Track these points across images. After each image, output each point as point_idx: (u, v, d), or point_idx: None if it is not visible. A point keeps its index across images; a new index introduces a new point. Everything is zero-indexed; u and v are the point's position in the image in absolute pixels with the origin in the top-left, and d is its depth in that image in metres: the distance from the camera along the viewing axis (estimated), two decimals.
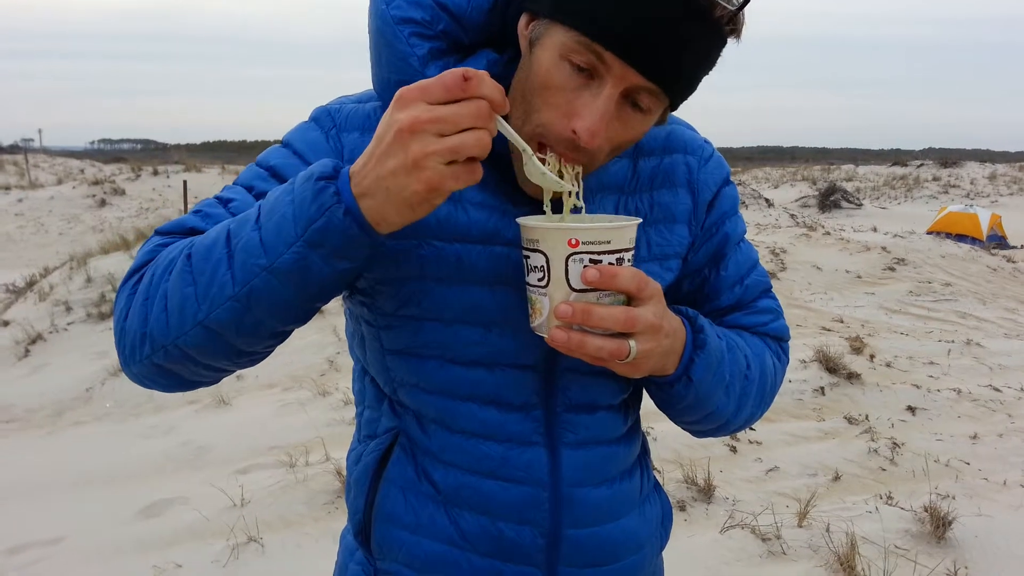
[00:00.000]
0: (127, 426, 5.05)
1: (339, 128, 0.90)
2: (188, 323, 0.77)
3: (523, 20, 0.84)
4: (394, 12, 0.87)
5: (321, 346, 5.94)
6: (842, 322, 6.80)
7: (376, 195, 0.71)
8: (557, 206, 0.85)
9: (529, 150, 0.78)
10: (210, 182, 19.98)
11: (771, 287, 1.07)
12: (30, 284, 9.40)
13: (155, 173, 22.90)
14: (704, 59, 0.80)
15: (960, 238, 13.95)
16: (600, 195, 0.93)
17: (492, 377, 0.91)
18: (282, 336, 0.83)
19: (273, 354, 0.88)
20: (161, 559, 3.03)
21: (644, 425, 1.09)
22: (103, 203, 20.39)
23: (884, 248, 9.88)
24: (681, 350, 0.87)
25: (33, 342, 7.07)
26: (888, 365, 5.23)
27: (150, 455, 4.32)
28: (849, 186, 26.95)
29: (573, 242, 0.76)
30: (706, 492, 3.38)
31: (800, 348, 5.15)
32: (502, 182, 0.89)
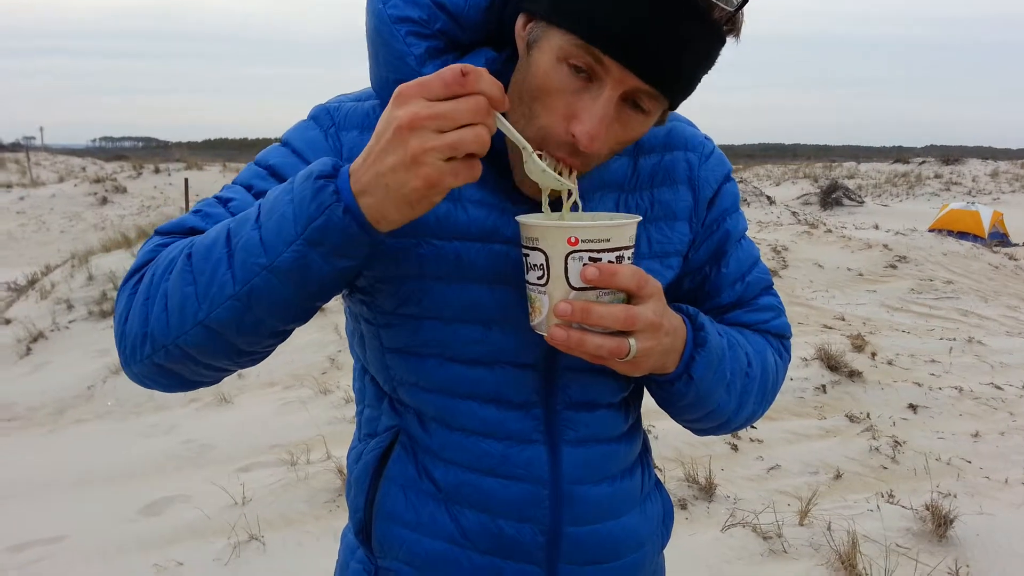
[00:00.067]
0: (128, 424, 5.05)
1: (338, 127, 0.90)
2: (189, 322, 0.77)
3: (520, 21, 0.83)
4: (391, 11, 0.86)
5: (322, 344, 5.94)
6: (843, 320, 6.79)
7: (375, 192, 0.71)
8: (556, 205, 0.85)
9: (529, 147, 0.78)
10: (211, 180, 20.00)
11: (772, 284, 1.07)
12: (31, 282, 9.41)
13: (156, 171, 22.92)
14: (703, 60, 0.79)
15: (962, 235, 13.93)
16: (600, 193, 0.93)
17: (492, 375, 0.91)
18: (283, 335, 0.83)
19: (274, 352, 0.88)
20: (162, 557, 3.03)
21: (645, 423, 1.08)
22: (104, 201, 20.41)
23: (886, 246, 9.87)
24: (682, 348, 0.87)
25: (34, 340, 7.08)
26: (889, 363, 5.23)
27: (151, 453, 4.33)
28: (851, 183, 26.91)
29: (572, 240, 0.76)
30: (707, 490, 3.38)
31: (801, 346, 5.14)
32: (501, 180, 0.88)
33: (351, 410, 4.45)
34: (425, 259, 0.88)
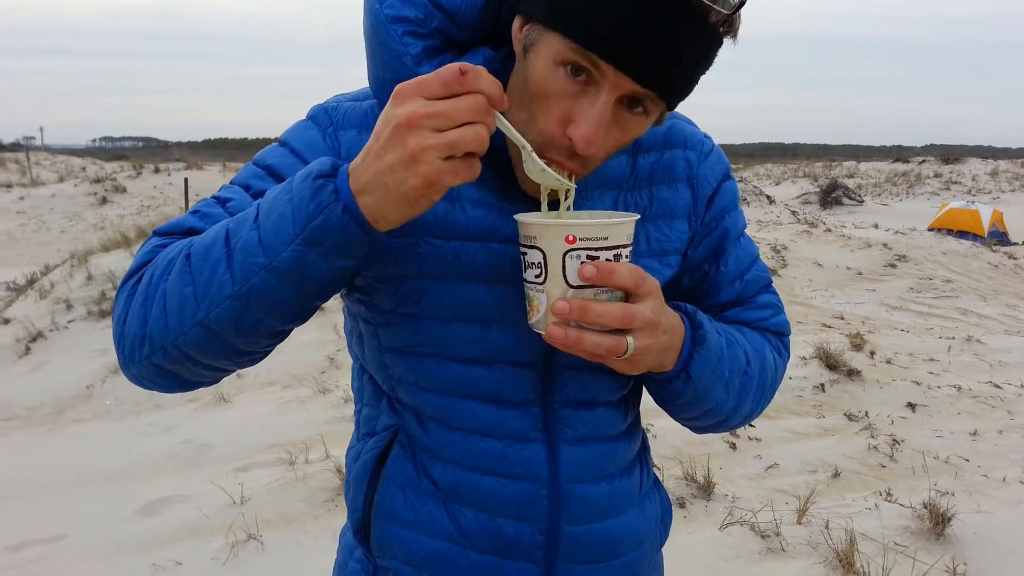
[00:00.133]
0: (127, 424, 5.05)
1: (336, 126, 0.90)
2: (187, 323, 0.77)
3: (517, 22, 0.83)
4: (387, 11, 0.86)
5: (321, 344, 5.94)
6: (843, 319, 6.80)
7: (374, 191, 0.71)
8: (555, 205, 0.85)
9: (528, 147, 0.78)
10: (211, 179, 19.98)
11: (771, 282, 1.07)
12: (31, 282, 9.41)
13: (156, 171, 22.89)
14: (701, 62, 0.79)
15: (961, 235, 13.93)
16: (599, 191, 0.93)
17: (490, 374, 0.91)
18: (281, 335, 0.83)
19: (273, 352, 0.88)
20: (161, 557, 3.03)
21: (644, 422, 1.08)
22: (104, 201, 20.39)
23: (885, 245, 9.88)
24: (680, 346, 0.87)
25: (34, 340, 7.08)
26: (888, 362, 5.24)
27: (150, 453, 4.33)
28: (850, 183, 26.89)
29: (570, 238, 0.76)
30: (706, 489, 3.39)
31: (800, 345, 5.15)
32: (499, 179, 0.88)
33: (350, 409, 4.45)
34: (423, 258, 0.88)
